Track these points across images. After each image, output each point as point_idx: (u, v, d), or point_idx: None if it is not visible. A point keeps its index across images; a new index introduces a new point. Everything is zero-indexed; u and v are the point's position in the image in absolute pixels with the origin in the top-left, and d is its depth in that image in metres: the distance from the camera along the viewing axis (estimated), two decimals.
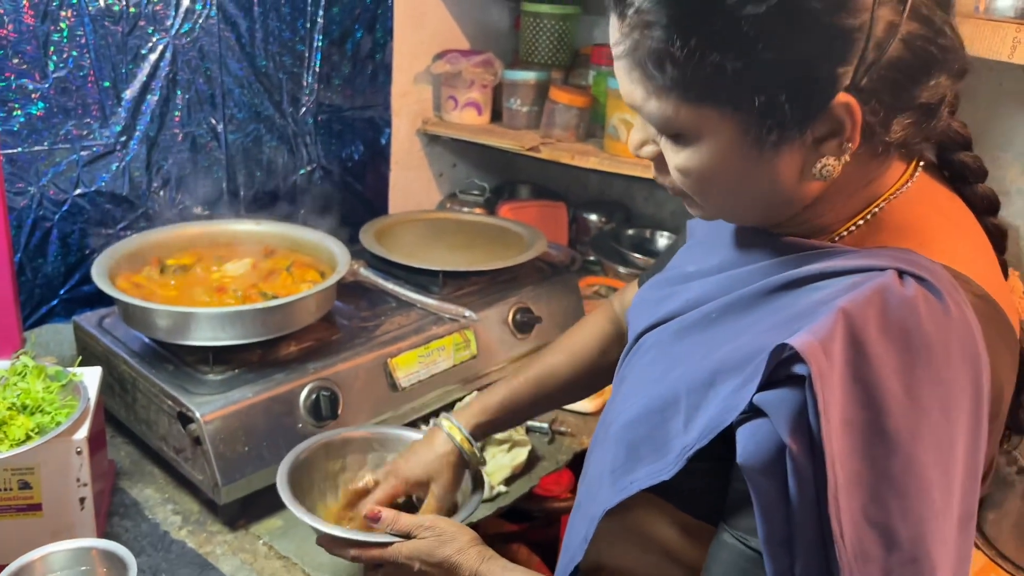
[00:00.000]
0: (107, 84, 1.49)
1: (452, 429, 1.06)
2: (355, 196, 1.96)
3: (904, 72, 0.62)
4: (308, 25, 1.74)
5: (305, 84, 1.78)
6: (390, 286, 1.58)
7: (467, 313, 1.50)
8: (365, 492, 1.09)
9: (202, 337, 1.25)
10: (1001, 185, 1.63)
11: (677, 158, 0.69)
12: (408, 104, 2.01)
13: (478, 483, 1.09)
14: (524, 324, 1.59)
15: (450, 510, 1.07)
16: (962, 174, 0.75)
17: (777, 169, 0.66)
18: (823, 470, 0.59)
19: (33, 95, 1.41)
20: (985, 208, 0.76)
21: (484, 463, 1.10)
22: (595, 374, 1.10)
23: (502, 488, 1.34)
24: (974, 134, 0.76)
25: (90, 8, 1.43)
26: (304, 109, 1.79)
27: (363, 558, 0.98)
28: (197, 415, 1.17)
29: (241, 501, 1.21)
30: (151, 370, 1.27)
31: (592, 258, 2.05)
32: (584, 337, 1.11)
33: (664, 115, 0.66)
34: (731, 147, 0.65)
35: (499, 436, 1.36)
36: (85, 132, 1.48)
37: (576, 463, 1.44)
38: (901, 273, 0.63)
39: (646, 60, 0.64)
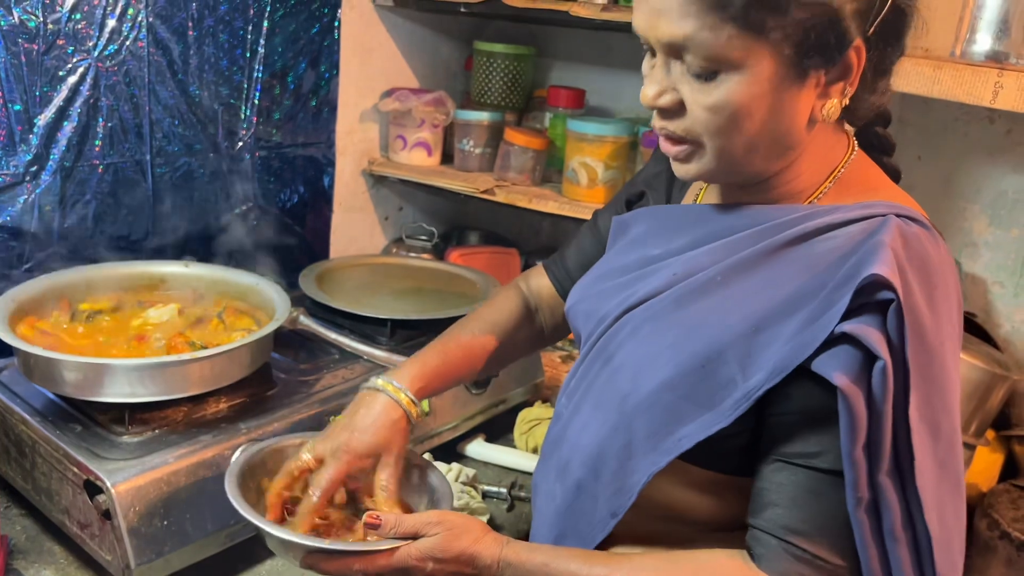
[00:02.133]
0: (18, 107, 1.33)
1: (397, 392, 0.97)
2: (294, 239, 1.82)
3: (891, 30, 0.75)
4: (248, 55, 1.62)
5: (243, 117, 1.65)
6: (332, 335, 1.43)
7: None
8: (306, 472, 0.96)
9: (117, 393, 1.09)
10: (968, 237, 1.60)
11: (710, 97, 0.73)
12: (353, 143, 1.90)
13: (432, 472, 1.02)
14: (480, 380, 1.47)
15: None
16: (881, 146, 0.88)
17: (797, 107, 0.74)
18: (900, 382, 0.70)
19: None
20: (894, 179, 0.87)
21: (425, 423, 1.02)
22: (510, 349, 1.11)
23: None
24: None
25: (2, 23, 1.28)
26: (241, 144, 1.66)
27: (370, 570, 0.84)
28: (107, 484, 1.01)
29: None
30: (54, 431, 1.10)
31: None
32: (501, 313, 1.11)
33: (715, 47, 0.71)
34: (769, 80, 0.72)
35: (456, 506, 1.23)
36: None
37: None
38: (898, 216, 0.75)
39: None
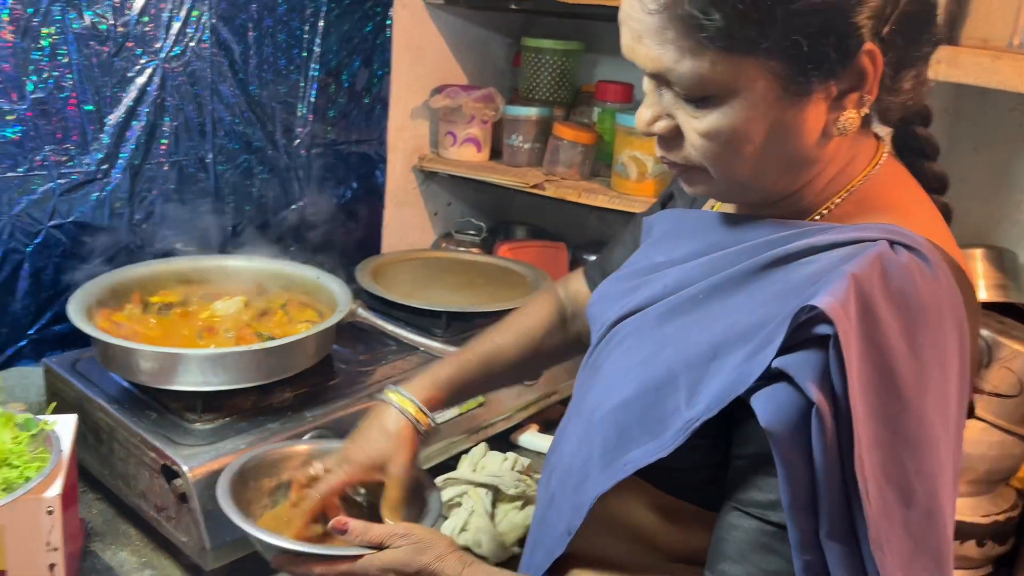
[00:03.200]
0: (90, 108, 1.38)
1: (403, 402, 0.98)
2: (347, 233, 1.86)
3: (913, 24, 0.67)
4: (304, 54, 1.66)
5: (299, 115, 1.69)
6: (389, 327, 1.47)
7: None
8: (315, 481, 0.98)
9: (191, 381, 1.13)
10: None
11: (703, 123, 0.68)
12: (404, 139, 1.93)
13: (428, 485, 1.01)
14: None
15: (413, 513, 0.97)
16: (922, 148, 0.79)
17: (805, 125, 0.67)
18: (845, 430, 0.60)
19: (8, 117, 1.30)
20: (936, 186, 0.79)
21: (439, 433, 1.01)
22: (539, 357, 1.10)
23: (516, 549, 1.22)
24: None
25: (75, 26, 1.33)
26: (298, 141, 1.70)
27: (331, 574, 0.86)
28: (184, 468, 1.05)
29: (229, 567, 1.09)
30: (131, 418, 1.14)
31: None
32: (530, 320, 1.10)
33: (699, 73, 0.65)
34: (766, 100, 0.66)
35: (512, 492, 1.25)
36: (64, 158, 1.37)
37: None
38: (892, 244, 0.66)
39: (691, 11, 0.63)
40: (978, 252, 1.55)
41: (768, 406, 0.62)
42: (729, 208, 0.83)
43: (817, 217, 0.73)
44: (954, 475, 0.66)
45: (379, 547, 0.85)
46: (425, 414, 0.98)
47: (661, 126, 0.72)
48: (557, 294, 1.13)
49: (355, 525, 0.86)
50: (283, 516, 0.97)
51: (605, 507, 0.76)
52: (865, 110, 0.68)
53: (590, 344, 0.87)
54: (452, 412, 1.35)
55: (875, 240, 0.66)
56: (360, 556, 0.85)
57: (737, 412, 0.66)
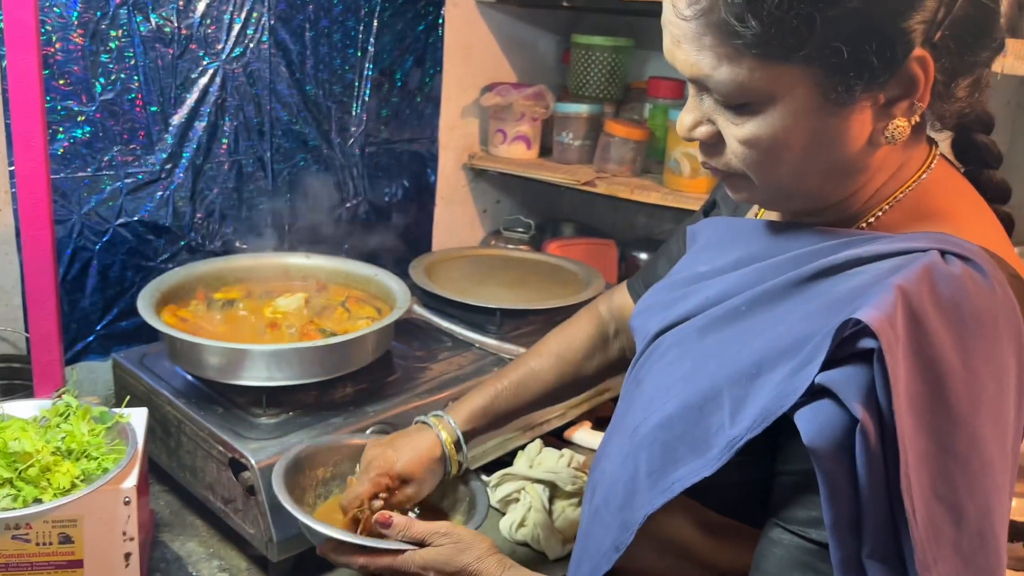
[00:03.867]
0: (155, 109, 1.42)
1: (444, 433, 1.02)
2: (399, 231, 1.88)
3: (969, 29, 0.64)
4: (359, 53, 1.68)
5: (354, 114, 1.71)
6: (445, 324, 1.48)
7: None
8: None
9: (256, 377, 1.15)
10: None
11: (743, 130, 0.67)
12: (455, 138, 1.94)
13: (478, 488, 1.04)
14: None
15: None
16: (982, 157, 0.76)
17: (849, 133, 0.65)
18: (891, 447, 0.58)
19: (79, 118, 1.34)
20: (997, 196, 0.76)
21: (462, 467, 1.05)
22: (578, 380, 1.09)
23: (572, 545, 1.23)
24: None
25: (141, 29, 1.37)
26: (352, 140, 1.72)
27: (372, 567, 0.88)
28: (252, 461, 1.07)
29: (295, 558, 1.11)
30: (199, 412, 1.17)
31: None
32: (570, 340, 1.09)
33: (736, 80, 0.64)
34: (807, 108, 0.64)
35: (569, 489, 1.26)
36: (130, 158, 1.41)
37: None
38: (943, 253, 0.63)
39: (726, 18, 0.62)
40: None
41: (811, 423, 0.60)
42: (774, 216, 0.81)
43: (864, 225, 0.71)
44: (1010, 494, 0.63)
45: (421, 544, 0.87)
46: (457, 450, 1.02)
47: (702, 131, 0.71)
48: (599, 311, 1.11)
49: (398, 520, 0.89)
50: (336, 507, 1.00)
51: (651, 524, 0.75)
52: (916, 118, 0.66)
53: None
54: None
55: (925, 250, 0.64)
56: (403, 551, 0.87)
57: (781, 428, 0.64)
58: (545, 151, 1.99)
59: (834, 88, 0.63)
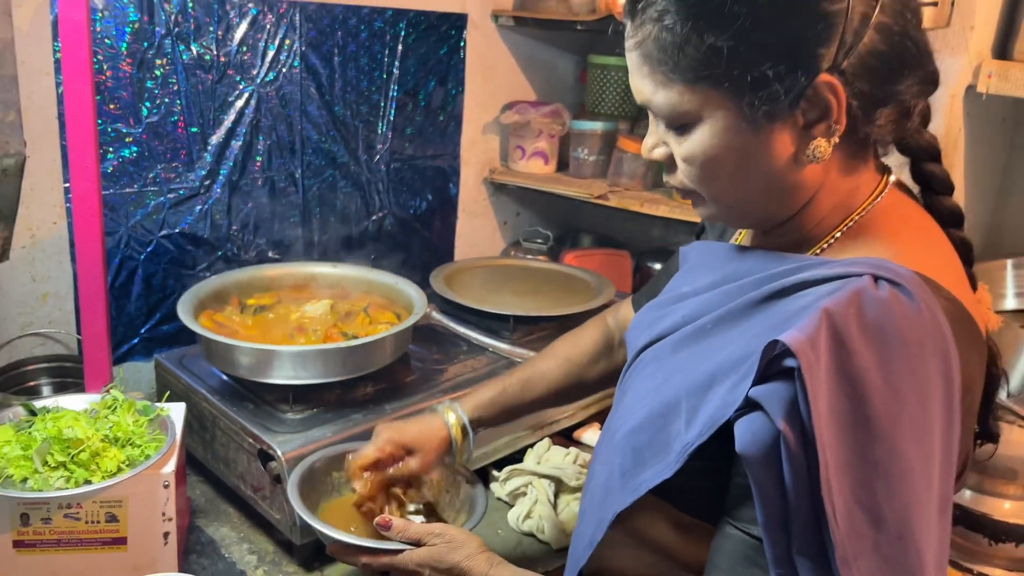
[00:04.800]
0: (195, 130, 1.54)
1: (451, 417, 1.11)
2: (422, 242, 1.99)
3: (883, 62, 0.70)
4: (384, 76, 1.79)
5: (380, 133, 1.82)
6: (461, 329, 1.58)
7: None
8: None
9: (284, 375, 1.26)
10: None
11: (683, 148, 0.75)
12: (476, 153, 2.05)
13: (478, 491, 1.12)
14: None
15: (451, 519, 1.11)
16: (930, 184, 0.82)
17: (772, 150, 0.72)
18: (815, 456, 0.63)
19: (127, 139, 1.46)
20: (951, 221, 0.82)
21: (469, 456, 1.14)
22: (582, 383, 1.17)
23: None
24: None
25: (184, 57, 1.49)
26: (378, 157, 1.83)
27: (374, 565, 0.98)
28: (278, 452, 1.18)
29: (317, 542, 1.20)
30: (232, 408, 1.28)
31: None
32: (576, 346, 1.17)
33: (670, 103, 0.73)
34: (729, 127, 0.72)
35: (573, 484, 1.34)
36: (172, 175, 1.53)
37: None
38: (876, 278, 0.69)
39: (653, 49, 0.72)
40: (1009, 263, 1.59)
41: (745, 433, 0.66)
42: (747, 240, 0.88)
43: (818, 251, 0.77)
44: (940, 500, 0.67)
45: (417, 544, 0.97)
46: (463, 434, 1.11)
47: (658, 152, 0.79)
48: (607, 322, 1.19)
49: (397, 523, 0.98)
50: (346, 505, 1.11)
51: (633, 522, 0.84)
52: (835, 139, 0.71)
53: None
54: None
55: (860, 275, 0.69)
56: (401, 551, 0.96)
57: (731, 437, 0.69)
58: (562, 166, 2.08)
59: (749, 109, 0.70)
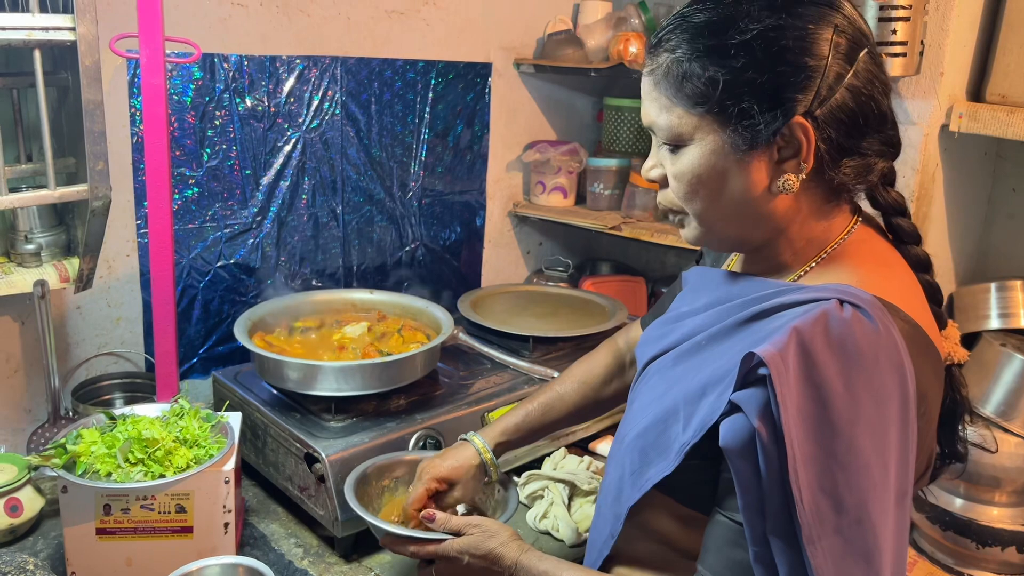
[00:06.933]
0: (248, 172, 1.73)
1: (481, 446, 1.23)
2: (452, 270, 2.16)
3: (850, 116, 0.82)
4: (416, 120, 1.98)
5: (412, 171, 2.00)
6: (485, 349, 1.74)
7: (555, 375, 1.64)
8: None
9: (327, 388, 1.43)
10: None
11: (674, 166, 0.86)
12: (501, 189, 2.22)
13: (511, 490, 1.25)
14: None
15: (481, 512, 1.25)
16: (900, 236, 0.93)
17: (750, 178, 0.83)
18: (785, 450, 0.74)
19: (190, 181, 1.65)
20: (919, 267, 0.93)
21: (502, 477, 1.26)
22: (597, 402, 1.29)
23: (587, 535, 1.44)
24: None
25: (239, 108, 1.69)
26: (411, 194, 2.01)
27: (420, 554, 1.11)
28: (323, 455, 1.34)
29: (356, 536, 1.36)
30: (281, 417, 1.45)
31: None
32: (590, 369, 1.30)
33: (670, 124, 0.85)
34: (715, 150, 0.83)
35: (585, 488, 1.48)
36: (228, 212, 1.72)
37: None
38: (842, 302, 0.79)
39: (664, 76, 0.85)
40: (1018, 283, 1.70)
41: (728, 431, 0.78)
42: (737, 266, 1.01)
43: (796, 278, 0.88)
44: (897, 492, 0.77)
45: (457, 534, 1.09)
46: (492, 458, 1.23)
47: (655, 173, 0.91)
48: (618, 344, 1.32)
49: (440, 516, 1.11)
50: (394, 507, 1.26)
51: (640, 517, 0.95)
52: (803, 175, 0.83)
53: None
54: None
55: (828, 299, 0.79)
56: (443, 540, 1.10)
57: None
58: (580, 199, 2.24)
59: (733, 136, 0.82)
